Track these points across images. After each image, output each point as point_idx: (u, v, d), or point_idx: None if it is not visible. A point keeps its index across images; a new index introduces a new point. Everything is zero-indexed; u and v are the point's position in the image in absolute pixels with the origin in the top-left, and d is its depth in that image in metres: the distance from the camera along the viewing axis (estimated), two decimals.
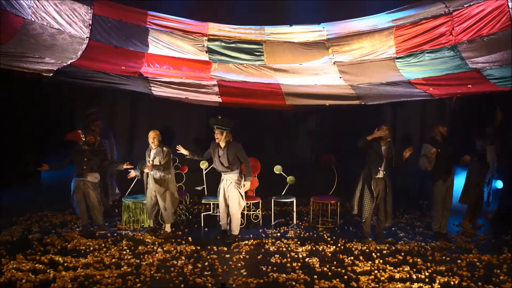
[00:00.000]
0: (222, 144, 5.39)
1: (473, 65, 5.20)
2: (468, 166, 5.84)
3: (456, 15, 5.61)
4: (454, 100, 5.07)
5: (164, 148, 5.54)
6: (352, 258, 4.87)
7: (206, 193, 6.37)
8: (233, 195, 5.38)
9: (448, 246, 5.27)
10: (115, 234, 5.62)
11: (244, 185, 5.44)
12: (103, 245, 5.19)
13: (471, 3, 5.53)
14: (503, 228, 5.83)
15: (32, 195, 6.72)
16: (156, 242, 5.32)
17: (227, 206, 5.48)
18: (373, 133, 5.15)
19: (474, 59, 5.25)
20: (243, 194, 5.47)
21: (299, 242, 5.40)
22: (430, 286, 4.15)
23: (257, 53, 6.07)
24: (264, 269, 4.56)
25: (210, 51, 6.02)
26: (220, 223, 5.71)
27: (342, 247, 5.27)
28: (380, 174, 5.21)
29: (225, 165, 5.37)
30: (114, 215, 6.39)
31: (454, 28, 5.58)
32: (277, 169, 6.55)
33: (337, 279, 4.28)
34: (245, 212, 6.10)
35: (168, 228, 5.62)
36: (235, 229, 5.46)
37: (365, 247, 5.23)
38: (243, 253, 5.04)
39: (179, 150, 5.60)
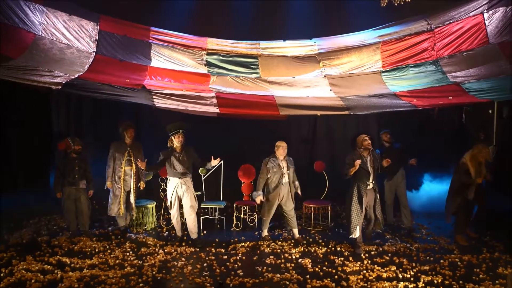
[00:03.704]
0: (179, 148, 5.44)
1: (453, 79, 5.48)
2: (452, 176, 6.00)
3: (438, 31, 5.89)
4: (436, 110, 5.38)
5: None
6: (342, 259, 5.06)
7: (204, 198, 6.52)
8: (189, 197, 5.43)
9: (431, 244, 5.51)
10: (119, 237, 5.79)
11: (210, 163, 5.51)
12: (107, 247, 5.38)
13: (451, 21, 5.83)
14: (482, 229, 5.99)
15: (41, 200, 6.84)
16: (158, 245, 5.51)
17: (182, 212, 5.52)
18: (353, 167, 5.07)
19: (454, 73, 5.53)
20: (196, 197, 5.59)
21: (292, 244, 5.59)
22: (415, 285, 4.34)
23: (253, 66, 6.30)
24: (259, 269, 4.75)
25: (208, 64, 6.23)
26: (178, 234, 5.63)
27: (333, 248, 5.47)
28: (370, 186, 5.26)
29: (185, 165, 5.42)
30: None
31: (435, 44, 5.85)
32: None
33: (328, 279, 4.47)
34: (241, 216, 6.32)
35: None
36: (195, 232, 5.50)
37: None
38: (240, 254, 5.24)
39: (140, 165, 5.46)
